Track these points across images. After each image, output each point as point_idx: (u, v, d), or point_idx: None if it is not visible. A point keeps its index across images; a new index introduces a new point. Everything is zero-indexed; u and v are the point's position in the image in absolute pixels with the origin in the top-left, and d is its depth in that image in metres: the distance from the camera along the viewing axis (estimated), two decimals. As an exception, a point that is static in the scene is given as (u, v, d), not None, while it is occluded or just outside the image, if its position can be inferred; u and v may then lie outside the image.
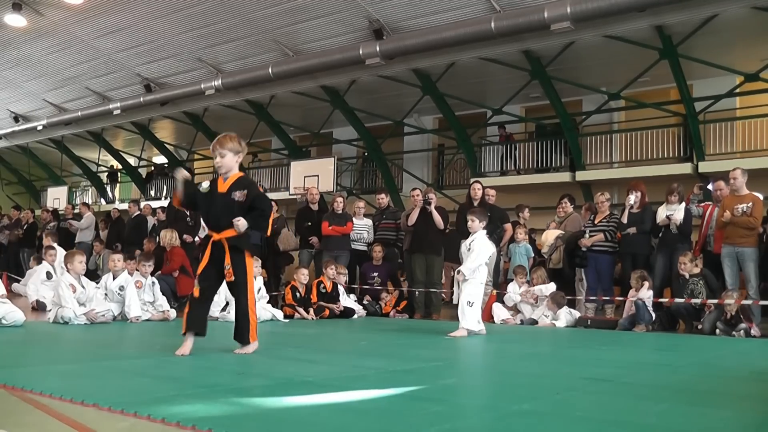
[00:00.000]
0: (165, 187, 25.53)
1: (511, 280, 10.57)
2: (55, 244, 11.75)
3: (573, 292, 10.48)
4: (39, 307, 9.82)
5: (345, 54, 16.16)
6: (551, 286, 9.86)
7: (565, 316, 9.55)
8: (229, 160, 5.06)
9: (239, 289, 5.03)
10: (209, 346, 5.09)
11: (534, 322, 9.70)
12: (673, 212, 9.73)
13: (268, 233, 5.05)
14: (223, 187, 5.07)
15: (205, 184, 5.16)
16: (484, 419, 3.02)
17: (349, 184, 21.07)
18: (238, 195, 4.99)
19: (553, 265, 10.67)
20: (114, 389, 3.48)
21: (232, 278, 4.97)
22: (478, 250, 7.47)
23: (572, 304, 10.00)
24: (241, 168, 5.28)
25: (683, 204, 9.86)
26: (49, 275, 10.67)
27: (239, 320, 5.07)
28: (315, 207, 12.21)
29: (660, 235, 9.86)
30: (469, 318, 7.35)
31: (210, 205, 5.11)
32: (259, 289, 9.58)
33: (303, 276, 10.23)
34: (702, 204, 10.23)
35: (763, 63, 14.04)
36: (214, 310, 9.18)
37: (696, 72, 15.09)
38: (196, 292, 5.02)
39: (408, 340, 7.06)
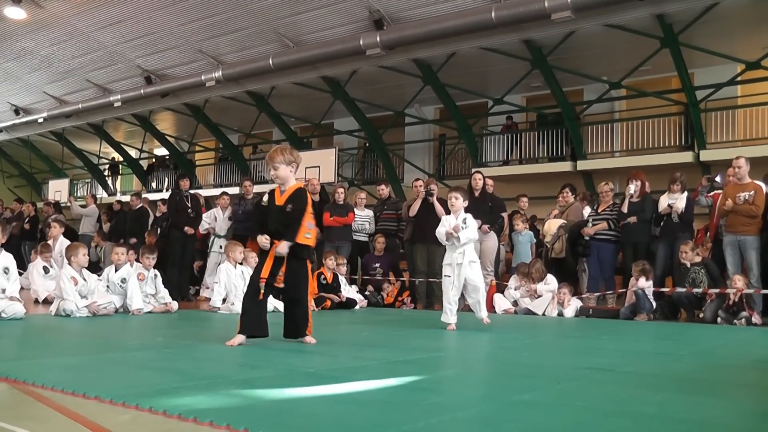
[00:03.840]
0: (166, 179, 25.54)
1: (514, 271, 10.60)
2: (60, 235, 11.88)
3: (575, 281, 10.49)
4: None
5: (345, 44, 16.13)
6: (552, 283, 9.84)
7: (575, 304, 9.57)
8: (283, 172, 5.28)
9: (301, 294, 5.35)
10: (210, 338, 5.10)
11: (530, 312, 9.72)
12: (675, 201, 9.73)
13: (297, 240, 5.22)
14: (280, 199, 5.31)
15: (266, 198, 5.43)
16: (485, 409, 3.02)
17: (351, 175, 21.06)
18: (290, 207, 5.25)
19: (555, 255, 10.69)
20: (115, 382, 3.49)
21: (282, 285, 5.25)
22: (474, 224, 7.45)
23: (574, 294, 10.01)
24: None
25: (685, 193, 9.85)
26: (46, 269, 10.71)
27: (298, 320, 5.38)
28: (316, 198, 12.22)
29: (661, 224, 9.86)
30: (485, 306, 7.39)
31: (268, 215, 5.34)
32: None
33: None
34: (711, 194, 10.20)
35: (764, 51, 14.01)
36: (215, 300, 9.21)
37: (697, 60, 15.06)
38: (261, 296, 5.23)
39: (409, 331, 7.06)
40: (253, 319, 5.15)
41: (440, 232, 7.38)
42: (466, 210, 7.53)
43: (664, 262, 9.76)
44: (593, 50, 15.63)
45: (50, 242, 11.93)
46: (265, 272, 5.19)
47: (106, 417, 2.64)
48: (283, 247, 5.16)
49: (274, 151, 5.34)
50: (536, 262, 10.27)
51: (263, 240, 5.19)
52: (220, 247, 12.06)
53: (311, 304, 5.49)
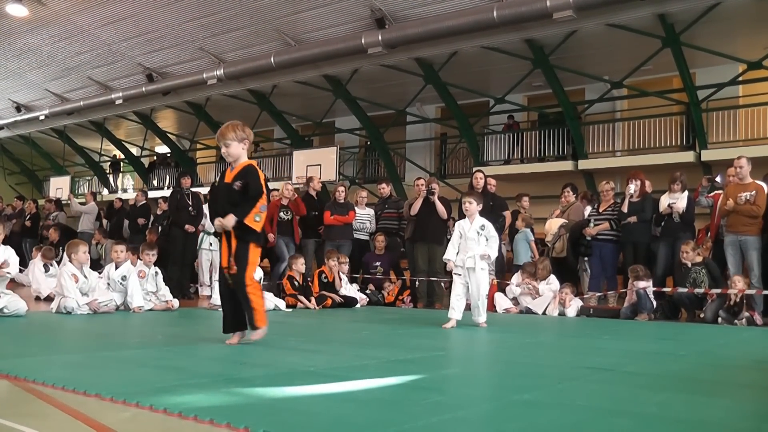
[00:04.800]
0: (167, 177, 25.53)
1: (517, 268, 10.61)
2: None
3: (576, 281, 10.49)
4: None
5: (347, 43, 16.13)
6: (554, 283, 9.84)
7: (576, 304, 9.57)
8: (235, 149, 5.06)
9: (238, 280, 4.98)
10: (211, 336, 5.10)
11: (530, 311, 9.72)
12: (675, 201, 9.72)
13: (245, 221, 4.90)
14: (229, 177, 5.09)
15: (218, 178, 5.24)
16: (485, 409, 3.02)
17: (352, 174, 21.05)
18: (237, 184, 5.01)
19: (556, 254, 10.69)
20: (116, 379, 3.49)
21: (234, 271, 4.96)
22: (496, 236, 7.48)
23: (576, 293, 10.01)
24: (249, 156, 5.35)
25: (686, 192, 9.85)
26: (46, 267, 10.72)
27: (240, 309, 5.00)
28: (315, 196, 12.26)
29: (662, 224, 9.85)
30: (484, 311, 7.35)
31: (217, 195, 5.17)
32: (260, 279, 9.61)
33: (300, 265, 10.21)
34: (712, 194, 10.19)
35: (766, 51, 14.00)
36: (216, 298, 9.20)
37: (699, 60, 15.05)
38: (229, 284, 5.04)
39: (410, 330, 7.06)
40: (229, 316, 5.06)
41: (450, 253, 7.41)
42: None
43: (665, 262, 9.75)
44: (595, 50, 15.63)
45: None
46: (224, 261, 5.02)
47: (106, 415, 2.64)
48: (228, 221, 4.90)
49: (225, 128, 5.12)
50: (544, 260, 10.27)
51: (218, 223, 4.99)
52: (210, 244, 12.03)
53: (255, 291, 5.00)
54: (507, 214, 11.23)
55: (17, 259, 7.53)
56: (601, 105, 17.10)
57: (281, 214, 11.80)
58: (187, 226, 11.80)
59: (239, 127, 5.13)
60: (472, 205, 7.38)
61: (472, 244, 7.28)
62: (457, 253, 7.38)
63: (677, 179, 9.89)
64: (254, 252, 5.04)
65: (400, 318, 8.61)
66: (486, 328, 7.21)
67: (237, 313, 5.05)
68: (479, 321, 7.30)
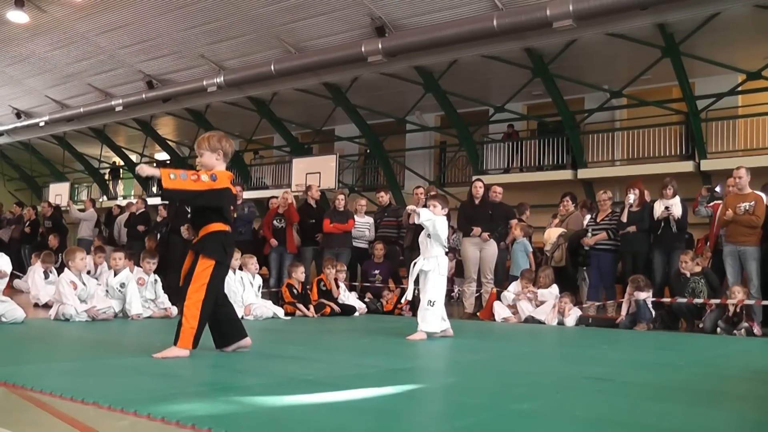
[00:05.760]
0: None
1: (515, 279, 10.59)
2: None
3: (575, 290, 10.48)
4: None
5: (347, 51, 16.16)
6: (554, 290, 9.82)
7: (575, 314, 9.54)
8: (207, 160, 4.93)
9: (182, 292, 4.88)
10: (209, 345, 5.08)
11: (534, 320, 9.69)
12: (672, 206, 9.69)
13: (162, 176, 4.48)
14: None
15: None
16: (484, 418, 3.01)
17: (351, 182, 21.06)
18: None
19: (555, 264, 10.67)
20: (114, 387, 3.48)
21: (180, 284, 4.90)
22: (440, 235, 6.85)
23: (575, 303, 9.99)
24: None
25: (677, 198, 9.82)
26: (45, 274, 10.71)
27: (179, 323, 4.81)
28: (314, 205, 12.27)
29: (658, 232, 9.83)
30: (430, 320, 6.73)
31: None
32: (259, 287, 9.61)
33: (300, 273, 10.19)
34: (711, 204, 10.18)
35: (765, 61, 14.02)
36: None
37: (698, 70, 15.08)
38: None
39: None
40: (216, 332, 5.05)
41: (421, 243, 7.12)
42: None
43: (661, 272, 9.74)
44: (594, 59, 15.66)
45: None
46: (182, 273, 4.92)
47: (104, 423, 2.64)
48: (140, 168, 4.71)
49: (201, 138, 5.02)
50: (546, 269, 10.24)
51: (184, 232, 4.94)
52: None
53: (191, 310, 4.75)
54: (514, 222, 11.13)
55: (10, 267, 7.52)
56: (601, 114, 17.12)
57: (275, 222, 11.81)
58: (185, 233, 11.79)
59: (215, 138, 4.99)
60: (437, 209, 6.92)
61: (423, 249, 6.95)
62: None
63: (668, 184, 9.89)
64: (203, 265, 4.81)
65: (398, 326, 8.58)
66: (484, 338, 7.18)
67: (224, 325, 5.03)
68: (418, 330, 6.72)
